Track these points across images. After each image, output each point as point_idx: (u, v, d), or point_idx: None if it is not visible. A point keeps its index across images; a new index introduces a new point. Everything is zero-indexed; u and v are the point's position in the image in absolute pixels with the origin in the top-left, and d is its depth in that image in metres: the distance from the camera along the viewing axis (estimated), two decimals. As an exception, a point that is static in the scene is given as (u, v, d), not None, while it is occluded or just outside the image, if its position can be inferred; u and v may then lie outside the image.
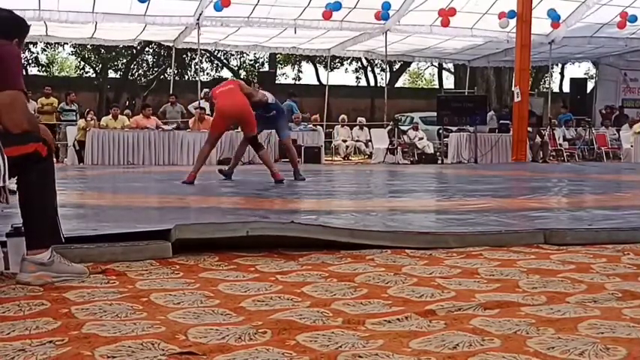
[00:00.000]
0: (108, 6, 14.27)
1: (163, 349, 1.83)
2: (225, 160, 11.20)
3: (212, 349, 1.83)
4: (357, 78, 34.31)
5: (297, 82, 32.98)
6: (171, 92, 17.22)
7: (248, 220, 3.79)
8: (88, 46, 26.48)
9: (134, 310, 2.26)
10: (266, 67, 28.93)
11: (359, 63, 32.64)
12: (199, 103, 15.12)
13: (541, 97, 21.23)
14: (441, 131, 15.95)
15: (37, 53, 30.98)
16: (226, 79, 32.80)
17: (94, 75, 31.05)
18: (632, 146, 15.81)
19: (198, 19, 14.92)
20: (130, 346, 1.84)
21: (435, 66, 32.00)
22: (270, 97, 8.21)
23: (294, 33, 16.04)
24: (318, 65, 31.53)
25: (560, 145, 16.86)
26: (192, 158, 13.17)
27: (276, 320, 2.12)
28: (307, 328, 2.04)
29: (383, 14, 15.44)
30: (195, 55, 24.17)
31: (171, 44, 17.70)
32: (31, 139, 2.67)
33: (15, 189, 2.71)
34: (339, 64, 31.48)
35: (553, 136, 16.42)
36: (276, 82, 24.53)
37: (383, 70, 28.67)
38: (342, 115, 18.82)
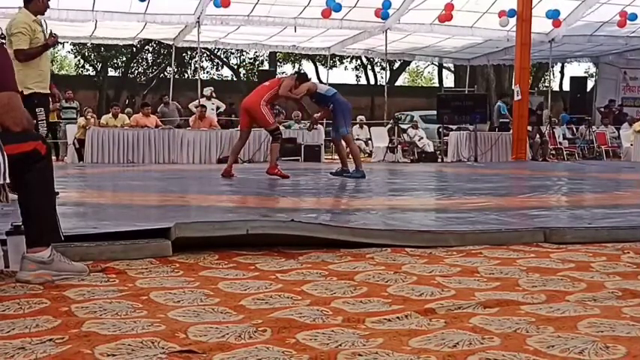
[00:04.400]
0: (108, 4, 14.25)
1: (163, 348, 1.83)
2: (225, 158, 11.19)
3: (212, 347, 1.83)
4: (357, 76, 34.34)
5: (297, 81, 32.93)
6: (170, 91, 17.22)
7: (248, 219, 3.78)
8: (88, 45, 26.46)
9: (134, 308, 2.26)
10: (266, 66, 28.91)
11: (358, 61, 32.63)
12: (199, 102, 15.12)
13: (541, 96, 21.25)
14: (440, 130, 15.96)
15: (37, 51, 30.94)
16: (226, 77, 32.83)
17: (93, 73, 31.04)
18: (631, 145, 15.81)
19: (198, 18, 14.91)
20: (129, 345, 1.84)
21: (435, 64, 31.98)
22: (322, 88, 8.30)
23: (294, 31, 16.03)
24: (317, 63, 31.53)
25: (560, 143, 16.86)
26: (192, 156, 13.22)
27: (276, 319, 2.12)
28: (307, 326, 2.04)
29: (383, 13, 15.42)
30: (195, 53, 24.16)
31: (171, 42, 17.68)
32: (31, 138, 2.68)
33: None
34: (338, 63, 31.46)
35: (553, 134, 16.41)
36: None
37: (383, 68, 28.66)
38: (342, 114, 18.78)
